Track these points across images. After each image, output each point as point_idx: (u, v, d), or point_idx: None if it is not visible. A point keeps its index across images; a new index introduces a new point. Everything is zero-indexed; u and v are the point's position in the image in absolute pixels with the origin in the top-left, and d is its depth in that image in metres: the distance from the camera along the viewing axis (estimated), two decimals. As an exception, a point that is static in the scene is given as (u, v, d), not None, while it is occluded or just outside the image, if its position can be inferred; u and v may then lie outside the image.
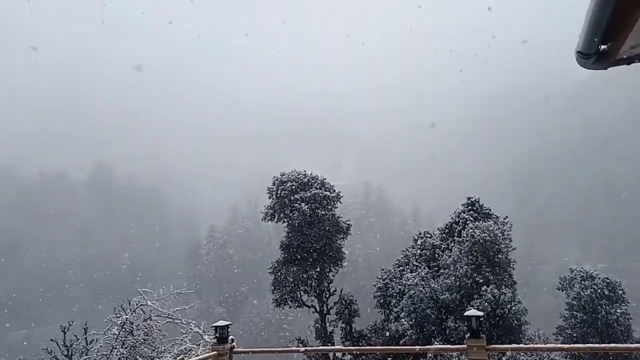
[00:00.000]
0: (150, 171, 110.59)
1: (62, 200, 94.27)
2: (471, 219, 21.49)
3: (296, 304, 26.05)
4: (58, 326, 22.00)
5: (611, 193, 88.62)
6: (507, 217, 21.96)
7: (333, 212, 26.11)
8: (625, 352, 17.50)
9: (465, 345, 6.81)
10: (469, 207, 22.59)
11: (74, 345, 16.83)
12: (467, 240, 19.65)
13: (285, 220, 25.77)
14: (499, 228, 20.21)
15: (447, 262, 21.14)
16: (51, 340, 20.19)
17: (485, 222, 20.55)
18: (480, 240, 19.13)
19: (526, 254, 66.16)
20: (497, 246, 19.30)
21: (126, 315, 10.28)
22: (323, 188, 25.78)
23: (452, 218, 23.10)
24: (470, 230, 19.94)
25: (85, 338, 13.91)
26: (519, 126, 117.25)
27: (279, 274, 25.79)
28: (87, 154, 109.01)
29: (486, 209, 22.35)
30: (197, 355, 8.74)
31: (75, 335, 17.69)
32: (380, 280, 24.56)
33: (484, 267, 19.27)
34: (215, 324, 8.10)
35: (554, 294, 24.77)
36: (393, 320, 22.33)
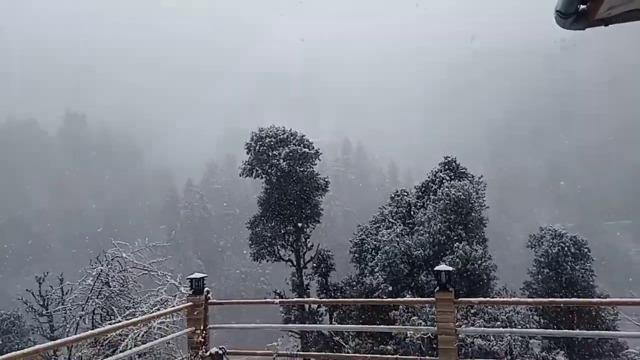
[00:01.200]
0: (125, 122, 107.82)
1: (32, 150, 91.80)
2: (447, 178, 21.82)
3: (273, 258, 26.47)
4: (33, 277, 22.02)
5: (584, 156, 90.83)
6: (482, 176, 22.37)
7: (311, 169, 26.15)
8: (585, 306, 18.46)
9: (434, 298, 7.05)
10: (446, 167, 22.89)
11: (49, 296, 16.88)
12: (442, 199, 20.03)
13: (264, 176, 25.75)
14: (473, 187, 20.62)
15: (422, 220, 21.59)
16: (27, 290, 20.24)
17: (460, 181, 20.91)
18: (455, 199, 19.52)
19: (499, 212, 68.06)
20: (470, 205, 19.75)
21: (101, 266, 10.27)
22: (301, 145, 25.68)
23: (428, 177, 23.41)
24: (446, 189, 20.29)
25: (61, 288, 13.95)
26: (495, 87, 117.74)
27: (257, 229, 26.01)
28: (57, 101, 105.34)
29: (462, 169, 22.69)
30: (172, 306, 8.85)
31: (51, 286, 17.72)
32: (357, 236, 25.00)
33: (457, 224, 19.76)
34: (191, 276, 8.17)
35: (523, 251, 25.64)
36: (367, 275, 22.91)
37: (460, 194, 19.48)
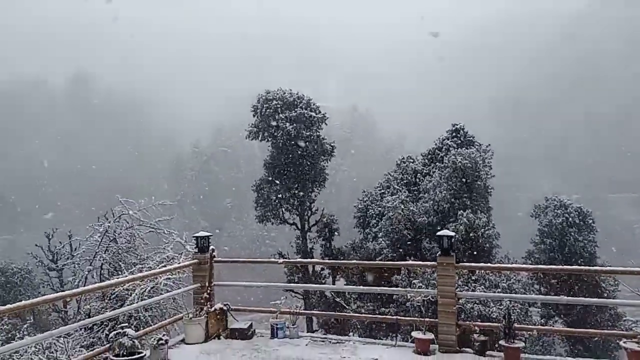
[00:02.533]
0: (131, 81, 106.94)
1: (40, 108, 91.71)
2: (454, 145, 21.67)
3: (278, 221, 26.74)
4: (42, 233, 22.41)
5: (593, 128, 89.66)
6: (489, 145, 22.20)
7: (318, 133, 26.02)
8: (586, 276, 18.59)
9: (435, 263, 7.13)
10: (453, 134, 22.70)
11: (58, 251, 17.23)
12: (448, 166, 19.95)
13: (270, 139, 25.68)
14: (480, 155, 20.50)
15: (427, 187, 21.59)
16: (36, 245, 20.65)
17: (467, 149, 20.77)
18: (461, 167, 19.44)
19: (504, 182, 67.72)
20: (476, 173, 19.68)
21: (108, 223, 10.42)
22: (308, 108, 25.47)
23: (435, 144, 23.26)
24: (452, 157, 20.18)
25: (70, 244, 14.20)
26: (506, 56, 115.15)
27: (262, 192, 26.16)
28: (64, 60, 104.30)
29: (470, 137, 22.50)
30: (178, 263, 9.01)
31: (60, 242, 18.06)
32: (361, 201, 25.11)
33: (463, 192, 19.76)
34: (197, 235, 8.28)
35: (527, 221, 25.70)
36: (371, 240, 23.13)
37: (466, 161, 19.38)
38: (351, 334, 19.34)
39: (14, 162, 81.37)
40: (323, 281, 23.83)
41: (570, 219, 20.75)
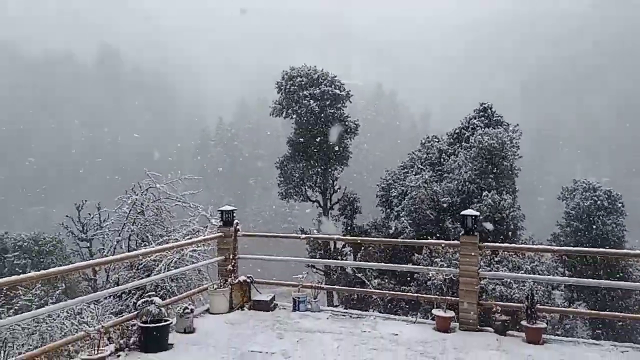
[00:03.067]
0: (158, 57, 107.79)
1: (68, 83, 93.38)
2: (481, 125, 21.24)
3: (301, 198, 26.93)
4: (72, 205, 23.09)
5: (623, 110, 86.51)
6: (517, 125, 21.69)
7: (342, 111, 25.87)
8: (613, 261, 18.23)
9: (458, 242, 7.10)
10: (481, 113, 22.23)
11: (87, 222, 17.76)
12: (474, 146, 19.61)
13: (293, 116, 25.66)
14: (508, 136, 20.06)
15: (452, 167, 21.32)
16: (67, 217, 21.31)
17: (495, 129, 20.35)
18: (488, 147, 19.08)
19: (532, 163, 66.34)
20: (503, 153, 19.30)
21: (136, 196, 10.66)
22: (333, 86, 25.28)
23: (462, 123, 22.83)
24: (479, 137, 19.81)
25: (99, 215, 14.59)
26: (540, 33, 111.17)
27: (286, 169, 26.31)
28: (92, 35, 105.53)
29: (498, 116, 22.00)
30: (204, 236, 9.20)
31: (89, 214, 18.57)
32: (384, 180, 24.98)
33: (488, 173, 19.44)
34: (222, 208, 8.42)
35: (554, 204, 25.23)
36: (393, 219, 23.08)
37: (493, 141, 19.01)
38: (371, 310, 19.53)
39: (45, 136, 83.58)
40: (345, 258, 24.00)
41: (599, 202, 20.27)
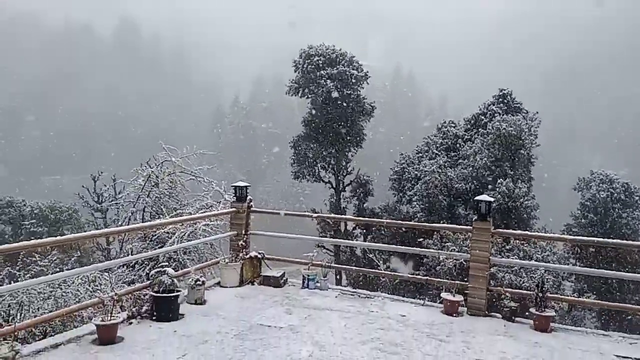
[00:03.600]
0: (176, 33, 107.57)
1: (87, 55, 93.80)
2: (500, 111, 20.95)
3: (313, 179, 26.94)
4: (88, 176, 23.43)
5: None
6: (537, 112, 21.34)
7: (359, 92, 25.65)
8: (626, 254, 18.02)
9: (471, 227, 7.06)
10: (500, 100, 21.90)
11: (103, 193, 18.03)
12: (491, 133, 19.38)
13: (310, 96, 25.52)
14: (526, 123, 19.77)
15: (468, 153, 21.12)
16: (83, 187, 21.64)
17: (513, 116, 20.05)
18: (505, 134, 18.84)
19: (549, 152, 65.34)
20: (521, 141, 19.05)
21: (151, 169, 10.75)
22: (351, 66, 25.03)
23: (480, 109, 22.54)
24: (497, 123, 19.56)
25: (114, 187, 14.79)
26: (563, 23, 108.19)
27: (300, 148, 26.28)
28: (112, 8, 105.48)
29: (517, 103, 21.66)
30: (217, 211, 9.28)
31: (105, 185, 18.84)
32: (398, 164, 24.88)
33: (504, 160, 19.25)
34: (235, 184, 8.47)
35: (569, 195, 24.93)
36: (405, 203, 23.05)
37: (511, 129, 18.75)
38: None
39: (63, 108, 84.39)
40: (354, 240, 24.08)
41: (616, 194, 19.99)
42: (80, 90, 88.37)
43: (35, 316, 7.01)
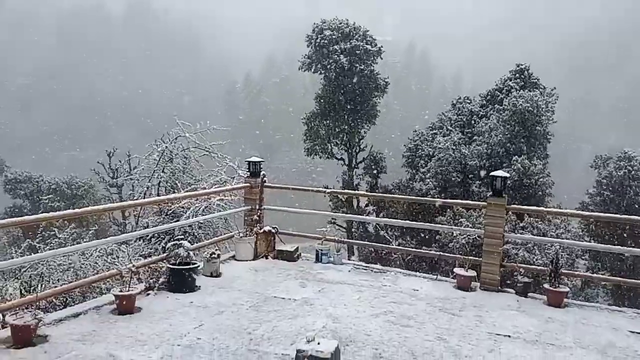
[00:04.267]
0: (187, 9, 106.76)
1: (99, 32, 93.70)
2: (517, 87, 20.55)
3: (326, 156, 26.90)
4: (103, 152, 23.69)
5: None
6: (554, 88, 20.91)
7: (372, 67, 25.34)
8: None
9: (485, 203, 7.01)
10: (517, 75, 21.47)
11: (118, 168, 18.24)
12: (507, 109, 19.08)
13: (322, 71, 25.29)
14: (543, 99, 19.41)
15: (483, 130, 20.87)
16: (98, 162, 21.92)
17: (530, 92, 19.67)
18: (522, 110, 18.53)
19: (566, 129, 64.26)
20: (537, 117, 18.74)
21: (165, 144, 10.81)
22: (364, 41, 24.68)
23: (496, 85, 22.14)
24: (513, 99, 19.23)
25: (129, 163, 14.95)
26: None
27: (312, 125, 26.18)
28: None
29: (534, 78, 21.22)
30: (231, 186, 9.33)
31: (120, 160, 19.04)
32: (412, 141, 24.71)
33: (520, 137, 18.99)
34: (249, 159, 8.49)
35: (585, 172, 24.58)
36: (418, 180, 22.95)
37: (528, 105, 18.43)
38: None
39: (78, 85, 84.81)
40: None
41: (634, 172, 19.64)
42: (94, 67, 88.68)
43: (55, 287, 7.20)
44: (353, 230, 23.54)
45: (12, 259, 7.50)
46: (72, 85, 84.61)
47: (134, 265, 5.79)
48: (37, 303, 4.98)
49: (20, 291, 5.28)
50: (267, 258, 7.90)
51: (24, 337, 4.49)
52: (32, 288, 5.23)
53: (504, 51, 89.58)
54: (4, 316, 6.27)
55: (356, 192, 20.92)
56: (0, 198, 31.07)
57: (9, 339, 4.53)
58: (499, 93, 21.34)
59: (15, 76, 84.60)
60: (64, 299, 7.57)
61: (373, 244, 12.65)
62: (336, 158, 26.89)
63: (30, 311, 4.70)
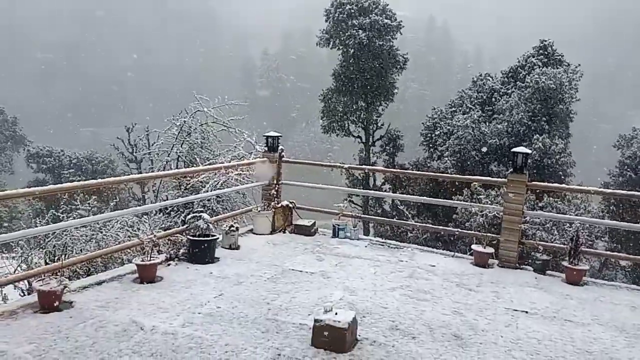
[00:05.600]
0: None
1: (116, 6, 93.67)
2: (540, 64, 20.03)
3: (343, 133, 26.71)
4: (122, 127, 23.90)
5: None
6: (579, 65, 20.33)
7: (391, 43, 24.88)
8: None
9: (506, 180, 6.93)
10: (540, 51, 20.90)
11: (137, 143, 18.42)
12: (529, 86, 18.64)
13: (340, 47, 24.94)
14: (567, 77, 18.90)
15: (503, 107, 20.47)
16: (117, 138, 22.14)
17: (554, 69, 19.16)
18: (544, 87, 18.09)
19: (590, 108, 62.81)
20: (560, 95, 18.29)
21: (184, 119, 10.87)
22: (384, 15, 24.20)
23: (518, 61, 21.59)
24: (536, 76, 18.77)
25: (147, 138, 15.08)
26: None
27: (329, 102, 25.96)
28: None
29: (558, 55, 20.64)
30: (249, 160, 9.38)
31: (139, 136, 19.21)
32: (430, 118, 24.36)
33: (541, 115, 18.59)
34: (267, 134, 8.49)
35: (607, 152, 24.05)
36: (436, 159, 22.71)
37: (550, 82, 17.98)
38: (407, 246, 19.74)
39: (97, 61, 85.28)
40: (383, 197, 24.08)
41: (659, 152, 19.18)
42: (112, 43, 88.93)
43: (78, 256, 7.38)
44: (369, 208, 23.52)
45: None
46: (91, 61, 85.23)
47: (154, 236, 5.89)
48: (62, 270, 5.12)
49: (45, 260, 5.43)
50: (284, 232, 7.97)
51: (50, 302, 4.63)
52: (55, 257, 5.37)
53: (527, 26, 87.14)
54: (30, 283, 6.46)
55: (373, 167, 20.83)
56: (23, 172, 31.79)
57: (36, 304, 4.68)
58: (521, 70, 20.83)
59: (35, 52, 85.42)
60: (87, 269, 7.78)
61: (390, 220, 12.65)
62: (353, 136, 26.70)
63: (55, 278, 4.84)
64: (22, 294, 7.90)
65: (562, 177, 18.44)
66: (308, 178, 10.59)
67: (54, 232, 8.83)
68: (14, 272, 8.27)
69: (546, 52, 20.68)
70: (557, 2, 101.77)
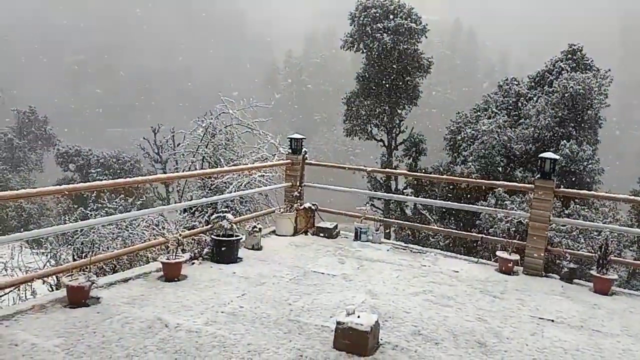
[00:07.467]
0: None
1: (144, 9, 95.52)
2: (568, 68, 19.62)
3: (365, 137, 26.65)
4: (148, 128, 24.35)
5: None
6: (609, 70, 19.85)
7: (416, 46, 24.75)
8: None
9: (532, 185, 6.81)
10: (569, 56, 20.47)
11: (162, 144, 18.75)
12: (557, 91, 18.28)
13: (365, 50, 24.91)
14: (596, 82, 18.47)
15: (530, 113, 20.10)
16: (143, 138, 22.57)
17: (583, 73, 18.75)
18: (572, 93, 17.71)
19: (620, 115, 61.26)
20: (589, 101, 17.87)
21: (210, 120, 11.02)
22: (409, 19, 24.08)
23: (546, 66, 21.18)
24: (564, 81, 18.38)
25: (173, 139, 15.32)
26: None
27: (352, 105, 25.94)
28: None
29: (588, 59, 20.18)
30: (272, 162, 9.45)
31: (164, 137, 19.54)
32: (454, 123, 24.09)
33: (569, 121, 18.19)
34: (291, 136, 8.55)
35: (637, 159, 23.39)
36: (459, 164, 22.44)
37: (579, 87, 17.59)
38: (429, 252, 19.56)
39: (126, 62, 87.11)
40: (405, 202, 23.91)
41: (693, 161, 18.53)
42: (138, 45, 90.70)
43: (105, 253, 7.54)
44: (391, 212, 23.39)
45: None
46: (120, 62, 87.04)
47: (180, 235, 5.98)
48: (90, 266, 5.24)
49: (73, 257, 5.57)
50: (306, 234, 8.00)
51: (78, 298, 4.75)
52: (83, 254, 5.51)
53: (553, 34, 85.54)
54: (58, 278, 6.62)
55: (396, 171, 20.72)
56: (53, 171, 32.64)
57: (65, 299, 4.80)
58: (548, 74, 20.43)
59: (67, 54, 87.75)
60: (113, 266, 7.95)
61: (414, 224, 12.57)
62: (375, 139, 26.61)
63: (84, 274, 4.96)
64: (50, 289, 8.12)
65: (590, 184, 18.02)
66: (330, 183, 10.64)
67: (82, 230, 9.06)
68: (43, 267, 8.51)
69: (575, 57, 20.26)
70: (585, 10, 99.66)
